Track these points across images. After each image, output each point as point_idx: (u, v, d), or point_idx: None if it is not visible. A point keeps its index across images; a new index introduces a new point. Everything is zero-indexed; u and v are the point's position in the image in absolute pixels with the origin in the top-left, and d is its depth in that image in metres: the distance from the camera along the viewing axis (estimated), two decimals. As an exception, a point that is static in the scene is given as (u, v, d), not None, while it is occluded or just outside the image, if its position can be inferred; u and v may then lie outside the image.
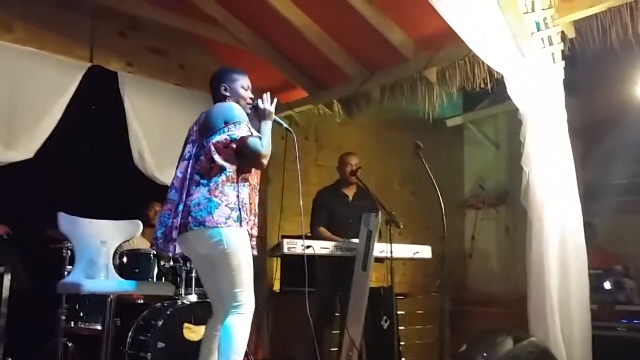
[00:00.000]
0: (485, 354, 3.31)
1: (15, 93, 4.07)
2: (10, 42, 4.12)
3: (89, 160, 4.38)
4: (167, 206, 2.76)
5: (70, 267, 3.30)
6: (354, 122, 5.48)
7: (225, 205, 2.65)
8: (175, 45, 4.97)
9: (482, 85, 3.88)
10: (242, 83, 2.95)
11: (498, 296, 5.66)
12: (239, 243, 2.66)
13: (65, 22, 4.37)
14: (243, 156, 2.73)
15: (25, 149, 4.07)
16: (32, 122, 4.11)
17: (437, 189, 3.20)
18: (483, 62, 3.67)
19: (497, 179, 6.54)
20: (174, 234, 2.66)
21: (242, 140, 2.70)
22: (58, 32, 4.35)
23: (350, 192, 4.35)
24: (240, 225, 2.68)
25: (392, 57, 4.37)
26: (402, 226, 3.76)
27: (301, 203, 3.00)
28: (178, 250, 2.80)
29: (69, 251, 3.40)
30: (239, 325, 2.63)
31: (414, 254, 4.19)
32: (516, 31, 3.23)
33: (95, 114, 4.49)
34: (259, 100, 2.93)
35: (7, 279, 3.66)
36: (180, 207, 2.68)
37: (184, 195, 2.70)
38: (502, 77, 3.49)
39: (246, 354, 3.77)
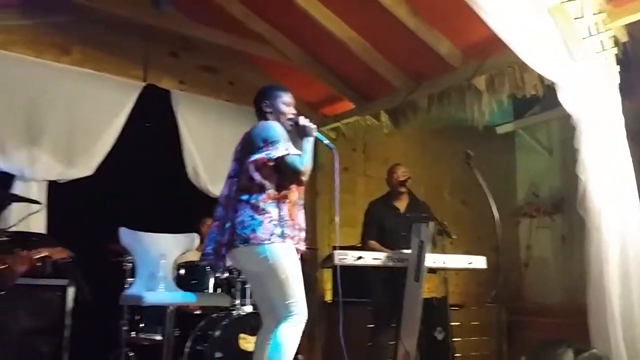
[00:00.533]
0: (544, 366, 3.24)
1: (75, 113, 4.27)
2: (68, 64, 4.34)
3: (146, 176, 4.52)
4: (215, 223, 2.83)
5: (131, 279, 3.42)
6: (402, 132, 5.47)
7: (268, 222, 2.69)
8: (225, 62, 5.11)
9: (533, 92, 3.81)
10: (284, 99, 2.99)
11: (556, 306, 5.51)
12: (284, 256, 2.70)
13: (120, 44, 4.57)
14: (282, 174, 2.78)
15: (85, 167, 4.26)
16: (91, 141, 4.30)
17: (490, 197, 3.16)
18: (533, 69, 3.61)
19: (552, 186, 6.37)
20: (223, 250, 2.73)
21: (281, 159, 2.74)
22: (113, 53, 4.55)
23: (401, 204, 4.31)
24: (284, 240, 2.72)
25: (438, 66, 4.36)
26: (454, 236, 3.72)
27: (337, 219, 2.99)
28: (229, 263, 2.86)
29: (129, 264, 3.53)
30: (289, 335, 2.67)
31: (468, 264, 4.13)
32: (567, 37, 3.17)
33: (151, 132, 4.64)
34: (300, 117, 2.97)
35: (70, 291, 3.82)
36: (227, 224, 2.75)
37: (230, 213, 2.76)
38: (553, 83, 3.42)
39: (300, 365, 3.84)
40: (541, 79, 3.63)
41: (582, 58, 3.19)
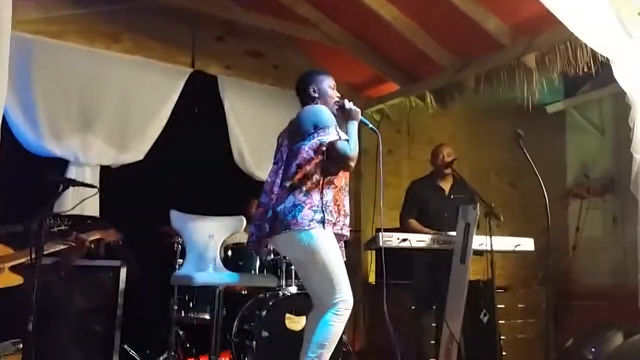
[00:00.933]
0: (593, 349, 3.19)
1: (126, 99, 4.38)
2: (118, 52, 4.45)
3: (194, 160, 4.62)
4: (260, 210, 2.86)
5: (181, 260, 3.52)
6: (447, 113, 5.39)
7: (309, 208, 2.71)
8: (269, 46, 5.13)
9: (585, 69, 3.69)
10: (329, 83, 3.01)
11: (606, 290, 5.37)
12: (323, 243, 2.71)
13: (168, 31, 4.64)
14: (331, 159, 2.79)
15: (136, 151, 4.39)
16: (142, 126, 4.42)
17: (540, 178, 3.09)
18: (586, 45, 3.49)
19: (603, 167, 6.17)
20: (265, 238, 2.78)
21: (332, 145, 2.76)
22: (162, 40, 4.64)
23: (446, 185, 4.26)
24: (324, 227, 2.73)
25: (487, 44, 4.26)
26: (502, 219, 3.67)
27: (381, 203, 2.97)
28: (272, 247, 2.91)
29: (179, 246, 3.64)
30: (334, 323, 2.69)
31: (516, 246, 4.07)
32: (622, 11, 3.05)
33: (198, 116, 4.73)
34: (346, 101, 2.97)
35: (123, 272, 3.96)
36: (270, 212, 2.78)
37: (273, 200, 2.79)
38: (607, 59, 3.30)
39: (344, 344, 3.89)
40: (594, 55, 3.51)
41: (638, 33, 3.06)
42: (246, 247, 2.89)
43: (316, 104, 2.93)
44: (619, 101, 3.38)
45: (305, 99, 2.99)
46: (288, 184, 2.77)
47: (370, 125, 3.08)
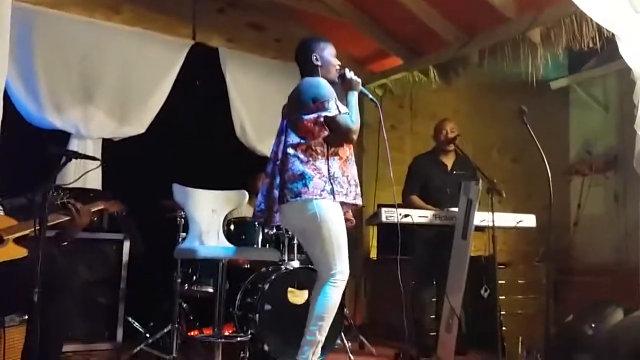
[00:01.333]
0: (593, 325, 3.21)
1: (127, 72, 4.34)
2: (119, 23, 4.39)
3: (195, 134, 4.60)
4: (266, 180, 2.87)
5: (184, 234, 3.53)
6: (450, 88, 5.35)
7: (319, 178, 2.73)
8: (272, 19, 5.07)
9: (591, 45, 3.65)
10: (331, 51, 2.97)
11: (606, 267, 5.40)
12: (331, 214, 2.73)
13: (168, 2, 4.59)
14: (333, 133, 2.78)
15: (138, 124, 4.37)
16: (143, 99, 4.38)
17: (543, 154, 3.07)
18: (591, 20, 3.44)
19: (606, 143, 6.15)
20: (275, 206, 2.78)
21: (332, 118, 2.75)
22: (162, 12, 4.58)
23: (449, 160, 4.25)
24: (334, 198, 2.75)
25: (492, 18, 4.21)
26: (504, 195, 3.66)
27: (391, 173, 2.99)
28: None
29: (182, 219, 3.65)
30: (331, 294, 2.73)
31: (518, 222, 4.08)
32: (630, -15, 3.00)
33: (200, 89, 4.69)
34: (347, 70, 2.94)
35: (126, 245, 3.98)
36: (278, 179, 2.78)
37: (279, 169, 2.79)
38: (613, 35, 3.26)
39: (346, 318, 3.92)
40: (600, 30, 3.47)
41: (646, 8, 3.02)
42: (254, 217, 2.90)
43: (317, 73, 2.91)
44: (624, 77, 3.35)
45: (307, 66, 2.95)
46: (293, 153, 2.77)
47: (370, 96, 3.06)
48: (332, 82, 2.91)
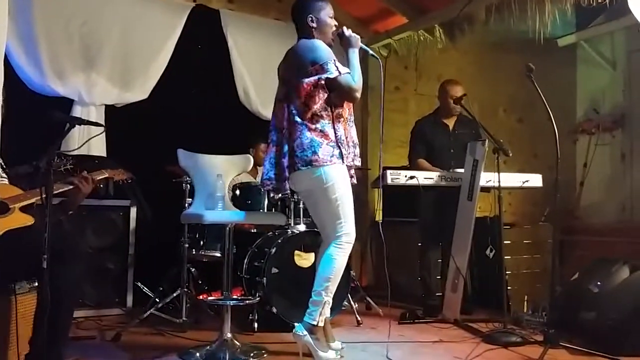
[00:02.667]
0: (598, 283, 3.23)
1: (128, 37, 4.28)
2: (120, -12, 4.31)
3: (199, 98, 4.56)
4: (273, 148, 2.83)
5: (190, 199, 3.54)
6: (456, 48, 5.27)
7: (327, 144, 2.71)
8: (273, -22, 4.97)
9: (599, 0, 3.57)
10: (328, 12, 2.90)
11: (612, 226, 5.41)
12: (338, 178, 2.73)
13: (168, -37, 4.49)
14: (336, 94, 2.75)
15: (140, 90, 4.33)
16: (144, 64, 4.33)
17: (550, 113, 3.04)
18: (601, -26, 3.36)
19: (614, 102, 6.08)
20: (286, 172, 2.75)
21: (334, 80, 2.71)
22: (162, -27, 4.49)
23: (450, 121, 4.21)
24: (343, 161, 2.75)
25: (498, -26, 4.12)
26: (510, 154, 3.64)
27: (381, 133, 2.99)
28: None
29: (188, 185, 3.64)
30: (337, 256, 2.75)
31: (524, 182, 4.07)
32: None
33: (202, 53, 4.62)
34: (344, 28, 2.89)
35: (133, 211, 4.00)
36: (286, 147, 2.76)
37: (286, 136, 2.77)
38: (624, -11, 3.19)
39: (353, 280, 3.96)
40: (610, -16, 3.39)
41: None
42: (262, 185, 2.89)
43: (312, 35, 2.85)
44: (632, 34, 3.28)
45: (303, 28, 2.89)
46: (299, 120, 2.74)
47: (371, 52, 3.01)
48: (328, 44, 2.85)
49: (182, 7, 4.48)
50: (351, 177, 2.89)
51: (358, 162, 2.89)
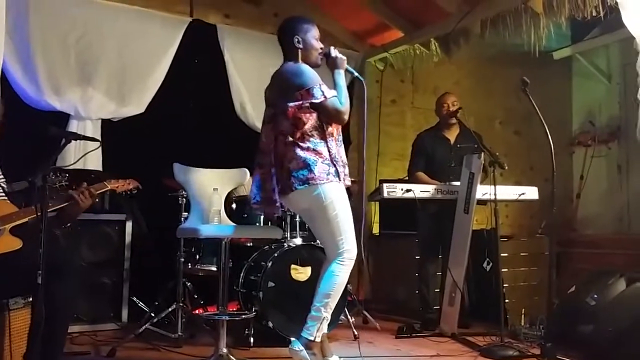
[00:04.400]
0: (595, 295, 3.22)
1: (125, 51, 4.29)
2: (116, 2, 4.33)
3: (195, 112, 4.56)
4: (260, 170, 2.82)
5: (186, 213, 3.53)
6: (452, 61, 5.30)
7: (322, 162, 2.72)
8: (269, -7, 5.01)
9: (594, 14, 3.59)
10: (314, 33, 2.90)
11: (609, 238, 5.40)
12: (337, 195, 2.73)
13: (165, -21, 4.52)
14: (324, 117, 2.76)
15: (137, 104, 4.32)
16: (141, 78, 4.33)
17: (546, 126, 3.05)
18: (594, -12, 3.39)
19: (609, 114, 6.11)
20: (275, 196, 2.75)
21: (320, 105, 2.71)
22: (160, -12, 4.53)
23: (451, 135, 4.23)
24: (339, 179, 2.76)
25: (493, -12, 4.15)
26: (506, 167, 3.65)
27: (364, 153, 2.99)
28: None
29: (184, 199, 3.64)
30: (339, 273, 2.74)
31: (520, 195, 4.08)
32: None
33: (198, 67, 4.63)
34: (331, 48, 2.89)
35: (128, 226, 3.99)
36: (274, 170, 2.76)
37: (276, 158, 2.76)
38: (616, 3, 3.21)
39: (350, 294, 3.95)
40: (603, -2, 3.42)
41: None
42: (253, 208, 2.90)
43: (298, 57, 2.84)
44: (627, 47, 3.30)
45: (289, 49, 2.88)
46: (290, 140, 2.73)
47: (356, 74, 3.01)
48: (314, 66, 2.85)
49: (179, 22, 4.50)
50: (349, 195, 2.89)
51: (348, 182, 2.88)
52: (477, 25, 4.42)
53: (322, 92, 2.73)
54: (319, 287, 2.76)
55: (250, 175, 3.01)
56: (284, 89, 2.77)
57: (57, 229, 2.51)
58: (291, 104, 2.72)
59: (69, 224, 2.54)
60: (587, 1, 3.58)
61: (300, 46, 2.86)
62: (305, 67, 2.79)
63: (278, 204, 2.78)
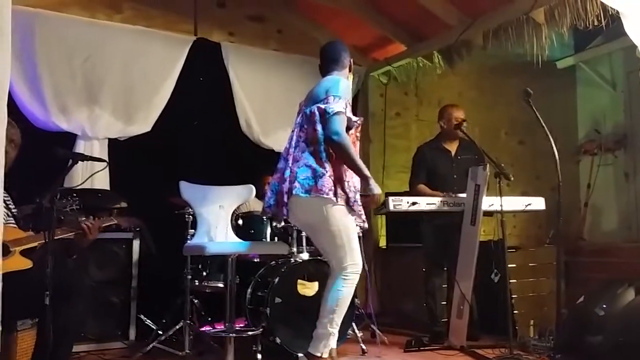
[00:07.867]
0: (604, 306, 3.19)
1: (131, 71, 4.34)
2: (120, 22, 4.39)
3: (201, 130, 4.60)
4: (277, 175, 2.87)
5: (193, 230, 3.54)
6: (455, 73, 5.32)
7: (329, 177, 2.73)
8: (271, 10, 5.06)
9: (595, 23, 3.60)
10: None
11: (617, 246, 5.37)
12: (338, 211, 2.74)
13: (169, -1, 4.58)
14: (324, 126, 2.77)
15: (143, 123, 4.36)
16: (147, 97, 4.38)
17: (550, 136, 3.05)
18: (595, -3, 3.41)
19: (615, 122, 6.10)
20: (285, 198, 2.76)
21: (331, 116, 2.71)
22: (163, 8, 4.59)
23: (452, 146, 4.22)
24: (337, 200, 2.74)
25: (494, 0, 4.16)
26: (512, 178, 3.64)
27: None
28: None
29: (191, 216, 3.66)
30: (343, 287, 2.75)
31: (526, 206, 4.06)
32: (633, -39, 2.96)
33: (203, 85, 4.67)
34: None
35: (136, 244, 4.00)
36: (287, 172, 2.78)
37: (291, 162, 2.79)
38: (618, 12, 3.22)
39: (357, 308, 3.93)
40: (604, 8, 3.43)
41: (650, -15, 2.98)
42: (263, 214, 2.92)
43: (347, 73, 3.00)
44: (630, 55, 3.31)
45: (340, 65, 3.00)
46: (306, 146, 2.78)
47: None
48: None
49: (183, 41, 4.55)
50: (364, 221, 2.90)
51: (366, 225, 2.93)
52: (479, 37, 4.44)
53: (344, 107, 2.75)
54: (324, 302, 2.76)
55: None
56: (316, 93, 2.85)
57: (64, 259, 2.53)
58: (314, 108, 2.77)
59: (74, 256, 2.56)
60: (589, 10, 3.59)
61: (347, 63, 3.04)
62: (345, 81, 2.90)
63: (286, 207, 2.77)
